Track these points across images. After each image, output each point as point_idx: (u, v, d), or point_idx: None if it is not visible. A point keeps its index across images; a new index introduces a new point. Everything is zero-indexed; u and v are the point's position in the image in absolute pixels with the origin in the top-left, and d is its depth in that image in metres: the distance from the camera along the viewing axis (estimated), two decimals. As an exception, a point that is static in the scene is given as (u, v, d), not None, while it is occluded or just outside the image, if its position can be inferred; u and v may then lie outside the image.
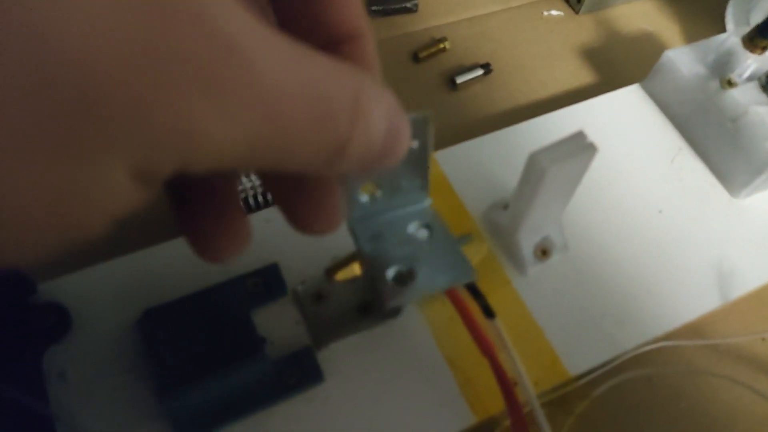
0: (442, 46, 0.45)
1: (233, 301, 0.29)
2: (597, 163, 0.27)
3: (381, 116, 0.13)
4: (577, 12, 0.49)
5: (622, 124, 0.39)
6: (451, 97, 0.43)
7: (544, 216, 0.31)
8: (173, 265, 0.30)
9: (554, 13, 0.49)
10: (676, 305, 0.32)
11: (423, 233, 0.24)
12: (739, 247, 0.35)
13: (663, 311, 0.32)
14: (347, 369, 0.29)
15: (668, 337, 0.32)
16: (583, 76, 0.46)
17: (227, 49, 0.10)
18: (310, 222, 0.16)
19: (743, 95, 0.36)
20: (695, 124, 0.38)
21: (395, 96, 0.14)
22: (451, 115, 0.42)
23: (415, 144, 0.21)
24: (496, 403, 0.28)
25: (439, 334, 0.30)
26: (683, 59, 0.38)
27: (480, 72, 0.44)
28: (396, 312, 0.30)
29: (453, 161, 0.36)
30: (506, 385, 0.25)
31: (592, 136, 0.27)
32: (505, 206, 0.33)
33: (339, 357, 0.29)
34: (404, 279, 0.23)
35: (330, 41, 0.16)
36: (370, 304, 0.30)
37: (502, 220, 0.33)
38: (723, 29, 0.49)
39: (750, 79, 0.37)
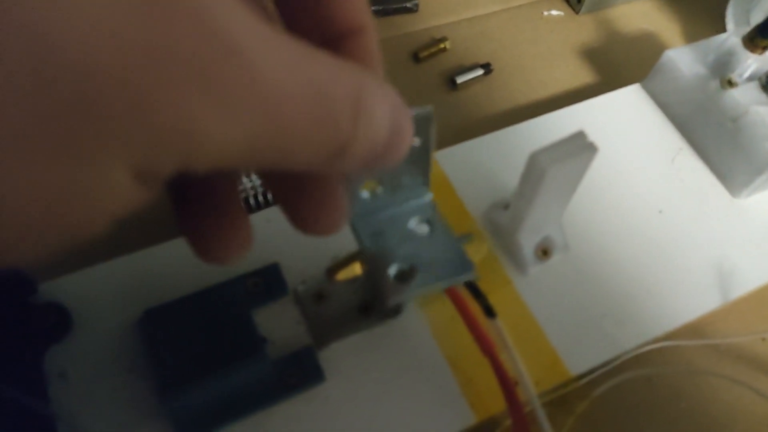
0: (442, 46, 0.45)
1: (234, 301, 0.29)
2: (597, 163, 0.27)
3: (383, 114, 0.13)
4: (577, 12, 0.49)
5: (623, 124, 0.39)
6: (452, 97, 0.43)
7: (545, 216, 0.31)
8: (174, 265, 0.30)
9: (554, 13, 0.49)
10: (676, 305, 0.32)
11: (424, 229, 0.24)
12: (739, 247, 0.35)
13: (663, 311, 0.32)
14: (348, 369, 0.29)
15: (668, 337, 0.32)
16: (584, 76, 0.46)
17: (227, 48, 0.10)
18: (312, 222, 0.16)
19: (743, 95, 0.36)
20: (695, 124, 0.38)
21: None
22: (452, 115, 0.42)
23: (417, 140, 0.21)
24: (496, 403, 0.28)
25: (440, 333, 0.30)
26: (683, 59, 0.38)
27: (480, 72, 0.44)
28: (397, 311, 0.30)
29: (453, 161, 0.36)
30: (507, 385, 0.25)
31: (593, 136, 0.27)
32: (506, 206, 0.33)
33: (339, 357, 0.29)
34: (405, 276, 0.23)
35: (332, 36, 0.16)
36: (371, 303, 0.30)
37: (503, 220, 0.33)
38: (723, 29, 0.49)
39: (750, 79, 0.37)
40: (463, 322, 0.25)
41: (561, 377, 0.30)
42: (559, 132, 0.27)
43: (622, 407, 0.31)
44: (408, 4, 0.46)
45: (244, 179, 0.33)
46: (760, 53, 0.36)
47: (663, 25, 0.50)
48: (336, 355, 0.29)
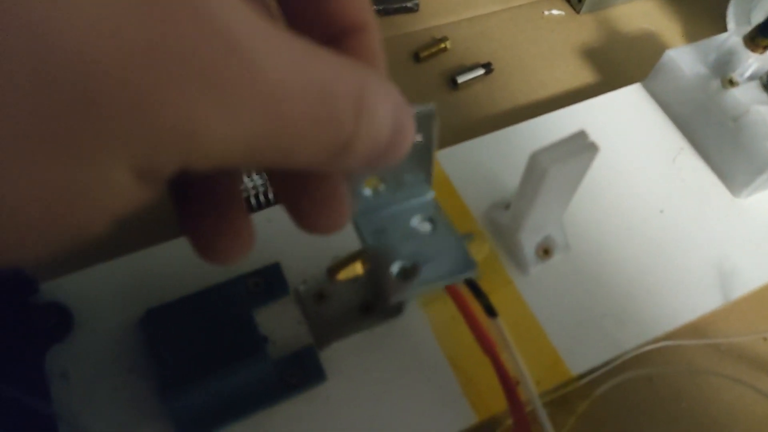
0: (443, 45, 0.45)
1: (235, 301, 0.29)
2: (598, 163, 0.27)
3: (386, 113, 0.13)
4: (578, 11, 0.49)
5: (623, 123, 0.39)
6: (452, 96, 0.43)
7: (546, 215, 0.31)
8: (175, 265, 0.30)
9: (555, 12, 0.49)
10: (677, 305, 0.32)
11: (426, 226, 0.24)
12: (740, 247, 0.35)
13: (664, 311, 0.32)
14: (349, 368, 0.29)
15: (669, 336, 0.32)
16: (584, 75, 0.46)
17: (228, 47, 0.10)
18: (315, 220, 0.16)
19: (744, 94, 0.35)
20: (696, 124, 0.38)
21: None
22: (452, 115, 0.42)
23: (419, 138, 0.21)
24: (497, 403, 0.28)
25: (441, 333, 0.30)
26: (684, 59, 0.38)
27: (481, 72, 0.44)
28: (398, 311, 0.30)
29: (454, 161, 0.36)
30: (509, 385, 0.25)
31: (593, 135, 0.27)
32: (507, 206, 0.33)
33: (341, 356, 0.29)
34: (408, 274, 0.23)
35: (335, 34, 0.16)
36: (372, 303, 0.30)
37: (504, 220, 0.33)
38: (724, 28, 0.49)
39: (751, 78, 0.37)
40: (464, 321, 0.25)
41: (562, 377, 0.30)
42: (560, 132, 0.27)
43: (623, 407, 0.31)
44: (408, 4, 0.46)
45: (246, 179, 0.33)
46: (761, 52, 0.36)
47: (664, 24, 0.50)
48: (337, 355, 0.29)
